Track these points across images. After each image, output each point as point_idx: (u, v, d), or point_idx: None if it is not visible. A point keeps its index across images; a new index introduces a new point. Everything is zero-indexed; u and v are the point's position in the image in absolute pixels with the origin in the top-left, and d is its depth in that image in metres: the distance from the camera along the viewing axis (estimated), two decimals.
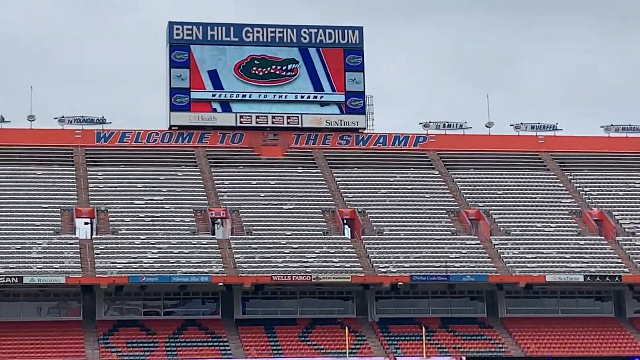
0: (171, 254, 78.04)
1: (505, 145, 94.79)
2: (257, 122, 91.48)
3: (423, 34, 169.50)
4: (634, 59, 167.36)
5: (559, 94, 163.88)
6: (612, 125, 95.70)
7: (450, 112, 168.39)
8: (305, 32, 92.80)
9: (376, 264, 78.92)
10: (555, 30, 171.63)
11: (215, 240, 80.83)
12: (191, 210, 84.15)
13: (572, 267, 79.99)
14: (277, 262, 77.97)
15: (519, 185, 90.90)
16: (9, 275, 73.61)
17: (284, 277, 75.98)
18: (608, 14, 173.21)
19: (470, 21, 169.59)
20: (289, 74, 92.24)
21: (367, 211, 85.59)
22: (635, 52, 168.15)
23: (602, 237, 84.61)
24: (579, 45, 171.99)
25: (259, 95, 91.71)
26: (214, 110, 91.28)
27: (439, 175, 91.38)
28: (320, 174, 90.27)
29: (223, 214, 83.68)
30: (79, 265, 75.92)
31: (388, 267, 78.73)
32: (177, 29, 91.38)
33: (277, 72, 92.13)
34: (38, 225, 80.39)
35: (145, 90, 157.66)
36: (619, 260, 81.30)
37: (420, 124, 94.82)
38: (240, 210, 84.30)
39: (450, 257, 79.96)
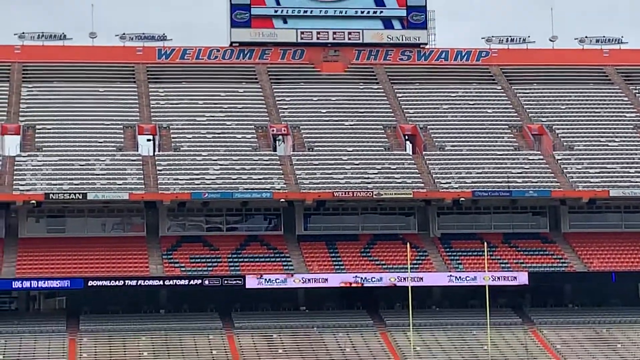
0: (233, 170, 78.13)
1: (569, 60, 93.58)
2: (318, 38, 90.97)
3: None
4: None
5: (624, 6, 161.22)
6: None
7: (514, 26, 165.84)
8: None
9: (438, 180, 78.55)
10: None
11: (277, 157, 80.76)
12: (252, 126, 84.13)
13: (637, 182, 79.16)
14: (339, 178, 77.85)
15: (582, 100, 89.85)
16: (74, 191, 74.08)
17: (345, 193, 75.95)
18: None
19: None
20: None
21: (428, 127, 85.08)
22: None
23: None
24: None
25: (320, 10, 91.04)
26: (275, 26, 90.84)
27: (502, 91, 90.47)
28: (382, 90, 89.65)
29: (284, 130, 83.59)
30: (142, 181, 76.33)
31: (450, 182, 78.35)
32: None
33: None
34: (101, 142, 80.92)
35: (205, 6, 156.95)
36: None
37: (482, 38, 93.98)
38: (301, 127, 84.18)
39: (512, 173, 79.47)
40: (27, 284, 71.85)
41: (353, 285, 73.80)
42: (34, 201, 73.71)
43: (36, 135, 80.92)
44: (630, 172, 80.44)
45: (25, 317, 74.70)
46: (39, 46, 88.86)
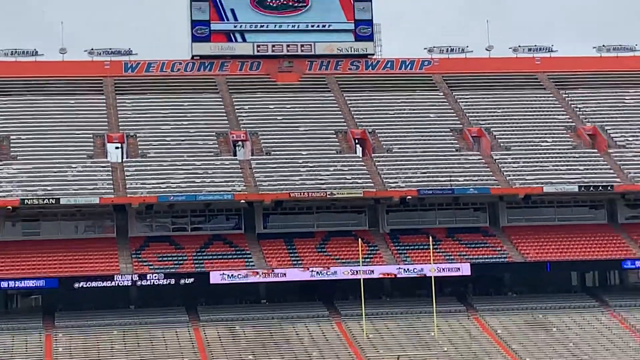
0: (196, 174, 77.85)
1: (504, 67, 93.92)
2: (273, 51, 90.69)
3: None
4: None
5: (554, 18, 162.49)
6: (603, 45, 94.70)
7: (453, 37, 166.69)
8: None
9: (386, 180, 78.62)
10: None
11: (237, 161, 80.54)
12: (214, 133, 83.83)
13: (568, 179, 79.60)
14: (295, 180, 77.72)
15: (517, 104, 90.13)
16: (47, 197, 73.69)
17: (301, 194, 75.86)
18: None
19: None
20: (301, 4, 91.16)
21: (376, 131, 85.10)
22: None
23: (595, 150, 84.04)
24: None
25: (274, 25, 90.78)
26: (233, 40, 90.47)
27: (443, 97, 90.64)
28: (333, 98, 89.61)
29: (243, 136, 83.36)
30: (112, 186, 75.84)
31: (397, 182, 78.44)
32: None
33: (291, 3, 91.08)
34: (72, 151, 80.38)
35: (167, 22, 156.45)
36: (611, 171, 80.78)
37: (425, 49, 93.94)
38: (259, 133, 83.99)
39: (454, 172, 79.63)
40: (4, 284, 71.18)
41: (310, 279, 73.80)
42: (10, 207, 73.12)
43: (11, 145, 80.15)
44: (562, 170, 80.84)
45: (3, 315, 73.95)
46: (12, 62, 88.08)
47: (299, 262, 75.13)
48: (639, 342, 71.20)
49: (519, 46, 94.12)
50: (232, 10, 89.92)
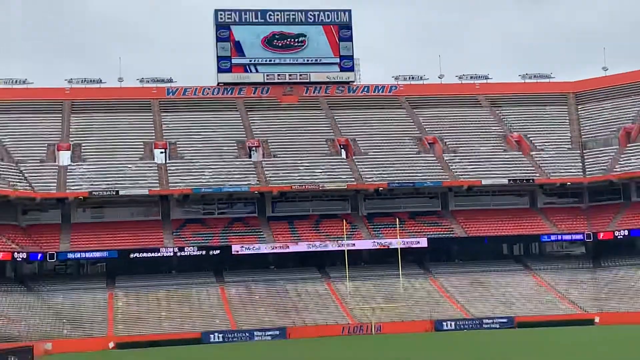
0: (221, 172, 77.84)
1: (452, 90, 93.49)
2: (278, 79, 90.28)
3: (395, 12, 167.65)
4: (545, 25, 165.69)
5: (490, 53, 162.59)
6: (527, 73, 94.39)
7: (414, 67, 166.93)
8: (310, 14, 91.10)
9: (364, 176, 78.68)
10: (489, 3, 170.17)
11: (252, 162, 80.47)
12: (234, 141, 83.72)
13: (500, 174, 79.73)
14: (295, 176, 77.75)
15: (462, 119, 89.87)
16: (110, 189, 73.81)
17: (300, 186, 75.97)
18: None
19: (428, 2, 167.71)
20: (300, 44, 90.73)
21: (356, 139, 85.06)
22: (545, 20, 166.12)
23: (520, 153, 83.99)
24: (503, 15, 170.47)
25: (280, 60, 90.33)
26: (248, 71, 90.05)
27: (406, 113, 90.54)
28: (324, 114, 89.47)
29: (256, 143, 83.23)
30: (157, 181, 75.90)
31: (372, 177, 78.52)
32: (221, 14, 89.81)
33: (292, 43, 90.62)
34: (128, 154, 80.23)
35: (199, 58, 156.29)
36: (532, 169, 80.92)
37: (392, 77, 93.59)
38: (268, 141, 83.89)
39: (415, 169, 79.70)
40: (78, 255, 71.44)
41: (307, 250, 73.93)
42: (81, 197, 73.24)
43: (82, 150, 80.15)
44: (496, 167, 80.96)
45: (77, 278, 74.14)
46: (82, 88, 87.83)
47: (299, 238, 75.23)
48: (552, 295, 71.50)
49: (463, 75, 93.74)
50: (248, 49, 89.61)
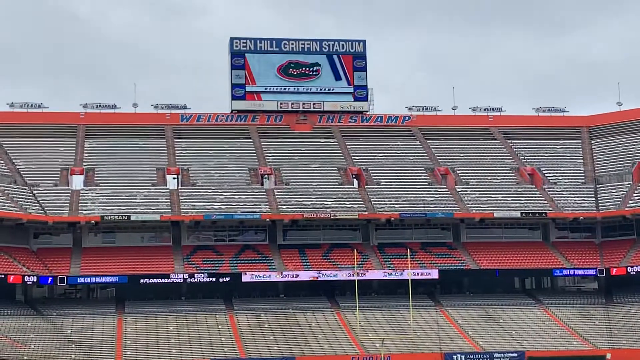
0: (233, 199, 77.90)
1: (465, 122, 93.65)
2: (292, 107, 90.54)
3: (409, 42, 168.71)
4: (559, 58, 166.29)
5: (504, 85, 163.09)
6: (540, 107, 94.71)
7: (428, 98, 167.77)
8: (325, 44, 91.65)
9: (375, 205, 78.63)
10: (502, 35, 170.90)
11: (264, 189, 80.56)
12: (247, 168, 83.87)
13: (512, 207, 79.62)
14: (307, 204, 77.76)
15: (475, 150, 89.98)
16: (121, 214, 73.90)
17: (311, 215, 75.98)
18: (542, 21, 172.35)
19: (442, 33, 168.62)
20: (314, 73, 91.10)
21: (369, 168, 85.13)
22: (559, 52, 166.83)
23: (533, 186, 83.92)
24: (517, 47, 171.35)
25: (294, 88, 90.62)
26: (262, 99, 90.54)
27: (419, 144, 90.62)
28: (336, 143, 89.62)
29: (269, 171, 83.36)
30: (169, 207, 75.98)
31: (384, 207, 78.46)
32: (236, 42, 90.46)
33: (306, 72, 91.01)
34: (140, 180, 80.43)
35: (213, 85, 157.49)
36: (545, 202, 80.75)
37: (406, 107, 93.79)
38: (280, 169, 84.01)
39: (427, 200, 79.56)
40: (88, 280, 71.51)
41: (317, 279, 73.78)
42: (93, 221, 73.40)
43: (95, 174, 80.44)
44: (508, 200, 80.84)
45: (86, 302, 74.12)
46: (97, 113, 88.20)
47: (309, 266, 75.12)
48: (563, 330, 70.98)
49: (477, 106, 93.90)
50: (263, 77, 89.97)
